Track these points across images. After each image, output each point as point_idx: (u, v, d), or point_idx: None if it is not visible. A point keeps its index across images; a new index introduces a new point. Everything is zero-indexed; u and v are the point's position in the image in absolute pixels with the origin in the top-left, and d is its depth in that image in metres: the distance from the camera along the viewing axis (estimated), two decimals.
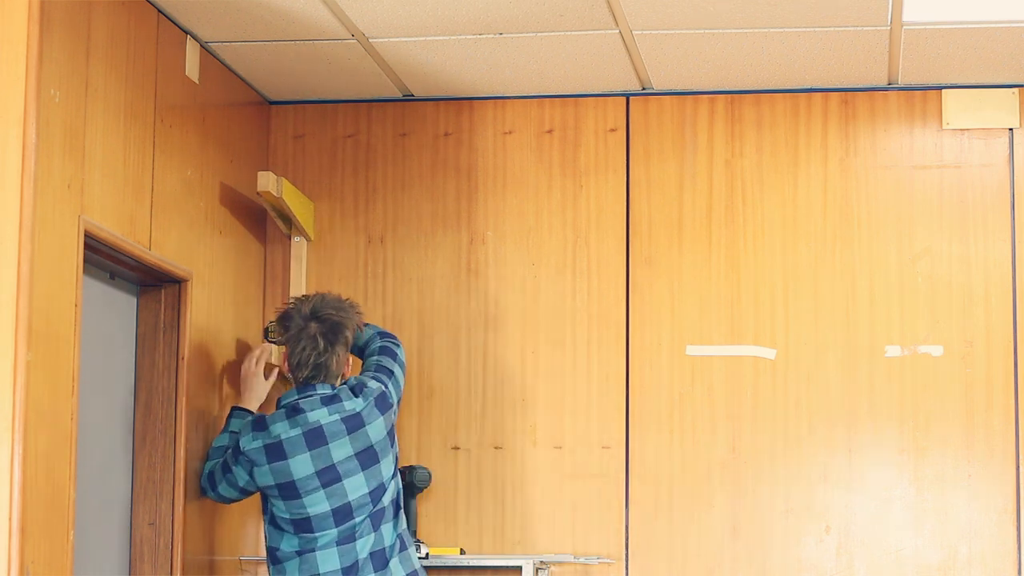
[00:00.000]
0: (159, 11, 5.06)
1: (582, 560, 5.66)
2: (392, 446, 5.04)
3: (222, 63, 5.58)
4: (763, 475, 5.71)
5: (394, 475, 5.04)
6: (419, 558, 5.45)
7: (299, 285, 5.93)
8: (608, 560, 5.70)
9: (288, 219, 5.84)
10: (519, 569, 5.65)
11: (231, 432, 5.22)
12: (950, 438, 5.66)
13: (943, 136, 5.79)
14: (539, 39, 5.35)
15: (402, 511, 5.09)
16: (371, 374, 5.10)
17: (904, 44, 5.38)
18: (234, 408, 5.32)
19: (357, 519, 4.93)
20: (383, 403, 5.02)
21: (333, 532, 4.92)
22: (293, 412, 4.97)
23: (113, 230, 4.66)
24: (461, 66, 5.63)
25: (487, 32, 5.29)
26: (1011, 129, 5.76)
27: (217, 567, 5.47)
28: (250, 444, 4.99)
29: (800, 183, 5.82)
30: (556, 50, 5.45)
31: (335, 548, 4.93)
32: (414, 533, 5.56)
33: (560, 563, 5.73)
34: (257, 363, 5.39)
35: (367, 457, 4.95)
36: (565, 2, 5.01)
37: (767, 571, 5.68)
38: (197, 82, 5.34)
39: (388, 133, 6.02)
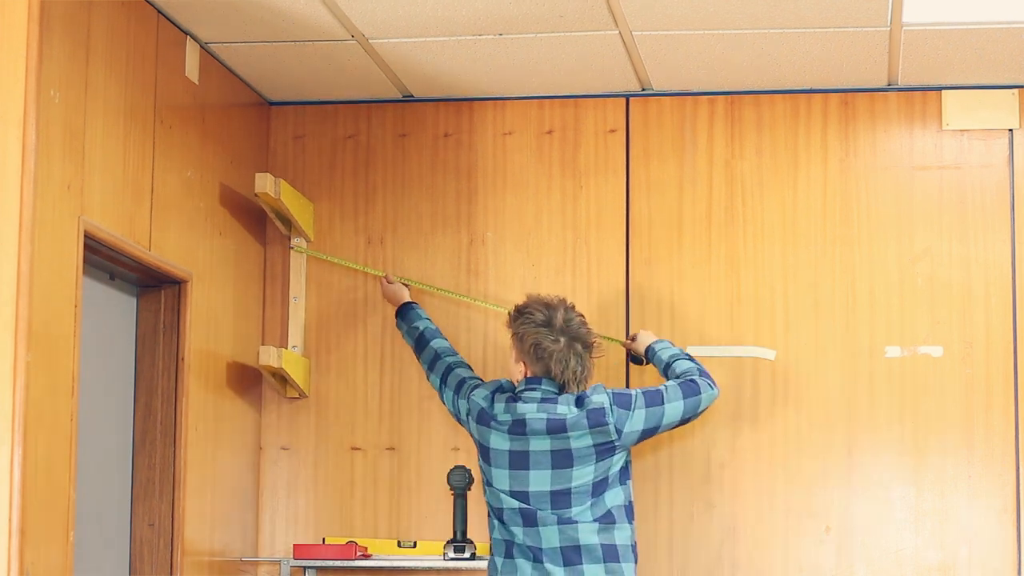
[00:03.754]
0: (159, 12, 5.06)
1: None
2: (598, 460, 4.94)
3: (222, 64, 5.58)
4: (763, 475, 5.71)
5: (600, 488, 4.96)
6: (465, 559, 5.48)
7: (299, 285, 5.93)
8: None
9: (287, 220, 5.84)
10: None
11: (422, 323, 5.50)
12: (950, 438, 5.66)
13: (943, 137, 5.80)
14: (539, 40, 5.35)
15: (617, 526, 4.99)
16: (629, 391, 5.04)
17: (904, 45, 5.38)
18: (401, 307, 5.59)
19: (538, 509, 4.93)
20: (598, 418, 4.93)
21: (515, 503, 4.94)
22: (512, 399, 5.00)
23: (113, 231, 4.67)
24: (461, 67, 5.63)
25: (487, 33, 5.29)
26: (1011, 130, 5.76)
27: (217, 567, 5.47)
28: (479, 398, 5.07)
29: (800, 184, 5.82)
30: (556, 51, 5.45)
31: (521, 521, 4.95)
32: (463, 533, 5.57)
33: None
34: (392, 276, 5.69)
35: (561, 457, 4.93)
36: (565, 3, 5.01)
37: (767, 571, 5.68)
38: (197, 83, 5.34)
39: (388, 134, 6.02)
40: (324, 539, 5.84)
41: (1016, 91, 5.75)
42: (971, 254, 5.72)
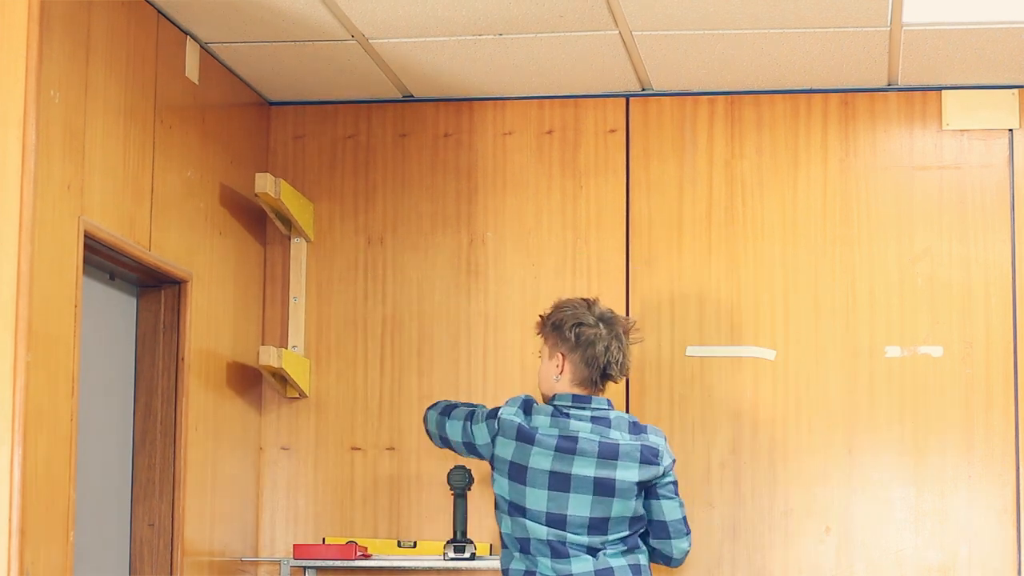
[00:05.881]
0: (159, 12, 5.06)
1: None
2: (634, 499, 4.82)
3: (222, 64, 5.58)
4: (763, 475, 5.71)
5: (633, 528, 4.86)
6: (465, 559, 5.44)
7: (299, 285, 5.93)
8: None
9: (287, 220, 5.84)
10: None
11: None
12: (950, 438, 5.66)
13: (943, 137, 5.80)
14: (539, 40, 5.35)
15: (640, 550, 4.91)
16: (666, 458, 4.90)
17: (904, 45, 5.38)
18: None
19: (570, 535, 4.79)
20: (650, 456, 4.83)
21: (543, 531, 4.78)
22: (558, 414, 4.84)
23: (113, 231, 4.67)
24: (461, 67, 5.63)
25: (487, 33, 5.29)
26: (1011, 130, 5.76)
27: (217, 567, 5.47)
28: (510, 415, 4.84)
29: (800, 184, 5.82)
30: (556, 51, 5.45)
31: (548, 552, 4.79)
32: (463, 533, 5.56)
33: None
34: None
35: (604, 487, 4.79)
36: (565, 3, 5.01)
37: (767, 572, 5.68)
38: (197, 83, 5.34)
39: (388, 134, 6.02)
40: (324, 539, 5.84)
41: (1016, 91, 5.75)
42: (971, 254, 5.72)
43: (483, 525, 5.77)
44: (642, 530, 4.90)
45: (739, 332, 5.78)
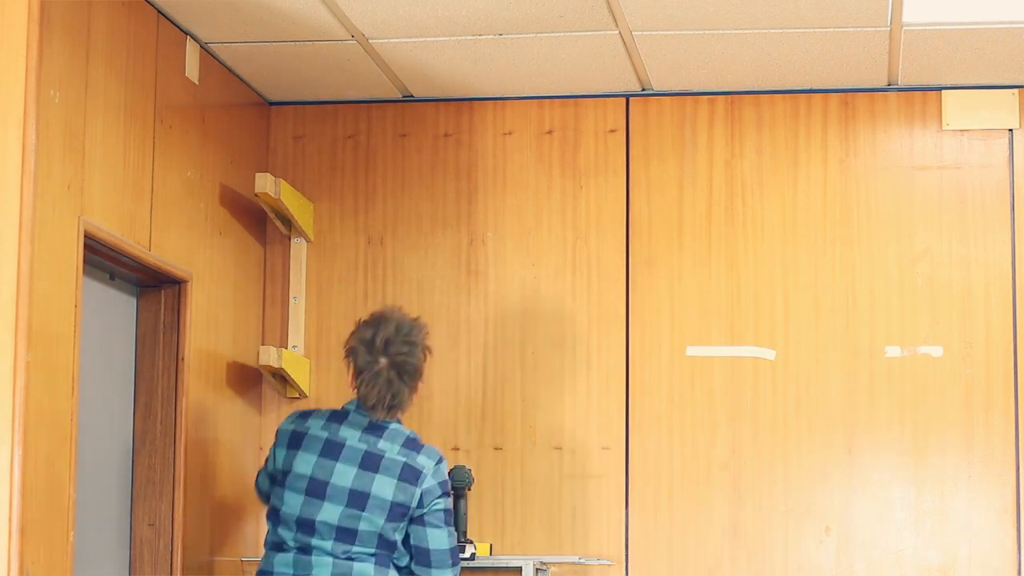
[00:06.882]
0: (159, 11, 5.06)
1: (582, 561, 5.66)
2: (394, 519, 4.73)
3: (222, 64, 5.58)
4: (763, 476, 5.71)
5: (384, 545, 4.76)
6: (465, 559, 5.42)
7: (299, 285, 5.93)
8: (608, 561, 5.70)
9: (287, 220, 5.84)
10: (519, 570, 5.64)
11: None
12: (950, 439, 5.66)
13: (943, 137, 5.80)
14: (539, 40, 5.35)
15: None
16: (435, 466, 4.81)
17: (904, 45, 5.38)
18: None
19: (315, 540, 4.72)
20: (411, 475, 4.74)
21: (291, 536, 4.73)
22: (335, 419, 4.80)
23: (113, 231, 4.67)
24: (461, 67, 5.63)
25: (487, 33, 5.29)
26: (1011, 130, 5.76)
27: (217, 568, 5.47)
28: (284, 424, 4.82)
29: (800, 184, 5.82)
30: (556, 51, 5.45)
31: (293, 551, 4.74)
32: (463, 533, 5.56)
33: (560, 564, 5.73)
34: None
35: (358, 498, 4.73)
36: (565, 3, 5.01)
37: (767, 572, 5.68)
38: (197, 83, 5.34)
39: (388, 134, 6.02)
40: None
41: (1016, 91, 5.75)
42: (971, 254, 5.72)
43: (483, 525, 5.77)
44: (395, 556, 4.78)
45: (739, 332, 5.78)
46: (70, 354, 4.35)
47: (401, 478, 4.73)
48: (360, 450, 4.73)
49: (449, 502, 4.83)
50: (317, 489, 4.71)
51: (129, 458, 5.14)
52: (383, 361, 4.73)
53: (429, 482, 4.75)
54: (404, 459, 4.74)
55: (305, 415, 4.83)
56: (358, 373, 4.75)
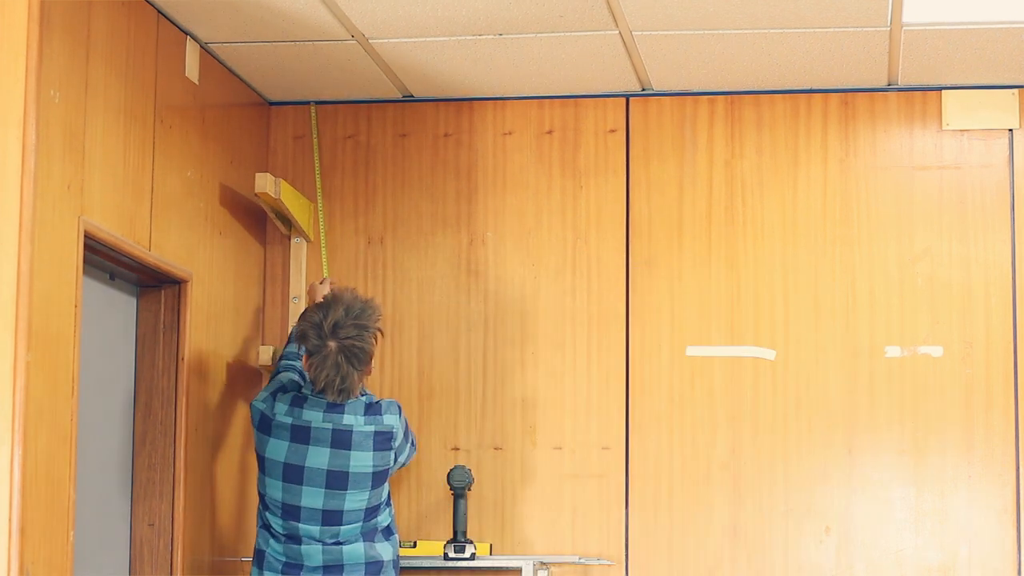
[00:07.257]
0: (159, 11, 5.06)
1: (582, 561, 5.66)
2: (378, 484, 4.87)
3: (222, 64, 5.58)
4: (763, 476, 5.71)
5: (370, 514, 4.90)
6: (465, 559, 5.44)
7: (299, 285, 5.93)
8: (608, 561, 5.70)
9: (287, 220, 5.84)
10: (519, 570, 5.65)
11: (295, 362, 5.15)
12: (950, 439, 5.66)
13: (943, 137, 5.80)
14: (539, 40, 5.35)
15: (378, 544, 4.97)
16: (399, 419, 4.96)
17: (904, 45, 5.38)
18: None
19: (302, 526, 4.83)
20: (384, 441, 4.90)
21: (279, 522, 4.86)
22: (297, 402, 4.89)
23: (113, 231, 4.66)
24: (461, 67, 5.63)
25: (487, 33, 5.29)
26: (1011, 130, 5.76)
27: (217, 567, 5.47)
28: (257, 403, 4.94)
29: (800, 184, 5.82)
30: (556, 51, 5.45)
31: (282, 540, 4.88)
32: (463, 533, 5.56)
33: (560, 564, 5.73)
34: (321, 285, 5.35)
35: (336, 479, 4.83)
36: (565, 3, 5.01)
37: (767, 572, 5.68)
38: (197, 83, 5.34)
39: (388, 134, 6.02)
40: None
41: (1016, 91, 5.75)
42: (971, 254, 5.72)
43: (483, 525, 5.77)
44: (381, 517, 4.89)
45: (739, 332, 5.78)
46: (70, 354, 4.35)
47: (376, 448, 4.86)
48: (327, 429, 4.83)
49: (411, 436, 5.07)
50: (293, 475, 4.82)
51: (129, 458, 5.14)
52: (332, 345, 4.77)
53: (399, 438, 4.94)
54: (372, 427, 4.86)
55: (273, 395, 4.93)
56: (308, 356, 4.82)
